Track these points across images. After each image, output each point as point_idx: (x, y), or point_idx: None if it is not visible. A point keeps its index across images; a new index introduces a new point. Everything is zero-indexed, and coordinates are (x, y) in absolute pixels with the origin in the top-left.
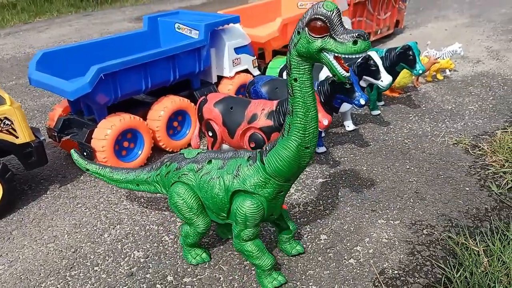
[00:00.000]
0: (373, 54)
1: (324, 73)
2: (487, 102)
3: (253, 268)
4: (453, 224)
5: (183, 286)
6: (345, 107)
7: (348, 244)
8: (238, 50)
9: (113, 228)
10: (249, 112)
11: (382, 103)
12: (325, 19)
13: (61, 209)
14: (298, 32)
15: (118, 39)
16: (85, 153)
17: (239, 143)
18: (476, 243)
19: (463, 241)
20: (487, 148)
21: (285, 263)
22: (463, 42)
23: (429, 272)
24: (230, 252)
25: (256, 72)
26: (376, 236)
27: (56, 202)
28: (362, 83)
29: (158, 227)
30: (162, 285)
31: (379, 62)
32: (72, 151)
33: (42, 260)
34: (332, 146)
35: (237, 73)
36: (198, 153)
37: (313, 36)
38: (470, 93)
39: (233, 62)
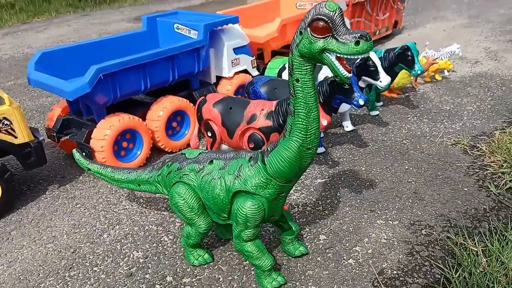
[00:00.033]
0: (372, 54)
1: (323, 74)
2: (485, 103)
3: (252, 269)
4: (452, 224)
5: (182, 286)
6: (344, 107)
7: (347, 245)
8: (237, 50)
9: (112, 229)
10: (248, 112)
11: (381, 103)
12: (327, 20)
13: (60, 209)
14: (300, 33)
15: (117, 39)
16: (84, 153)
17: (238, 143)
18: (475, 244)
19: (462, 241)
20: (486, 149)
21: (284, 263)
22: (462, 43)
23: (428, 272)
24: (229, 253)
25: (255, 72)
26: (375, 237)
27: (55, 202)
28: (361, 84)
29: (157, 227)
30: (161, 286)
31: (378, 63)
32: (74, 150)
33: (41, 261)
34: (331, 146)
35: (236, 73)
36: (200, 154)
37: (315, 37)
38: (468, 93)
39: (232, 62)
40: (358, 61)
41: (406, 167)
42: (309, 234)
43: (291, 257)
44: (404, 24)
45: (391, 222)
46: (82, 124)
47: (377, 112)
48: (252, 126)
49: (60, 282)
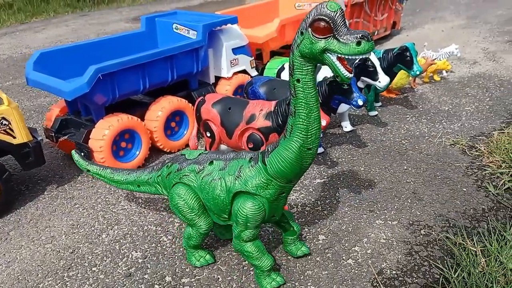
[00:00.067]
0: (371, 55)
1: (322, 74)
2: (483, 103)
3: (251, 269)
4: (451, 225)
5: (181, 286)
6: (343, 108)
7: (346, 245)
8: (236, 50)
9: (111, 229)
10: (247, 112)
11: (380, 104)
12: (328, 20)
13: (58, 209)
14: (302, 33)
15: (116, 39)
16: (82, 154)
17: (237, 143)
18: (474, 244)
19: (461, 241)
20: (484, 149)
21: (284, 263)
22: (460, 44)
23: (427, 272)
24: (228, 253)
25: (254, 72)
26: (374, 237)
27: (53, 202)
28: (360, 84)
29: (156, 227)
30: (160, 286)
31: (376, 63)
32: (73, 152)
33: (40, 261)
34: (329, 146)
35: (235, 73)
36: (200, 154)
37: (316, 37)
38: (466, 94)
39: (231, 62)
40: (357, 61)
41: (405, 167)
42: (308, 234)
43: (290, 257)
44: (403, 24)
45: (390, 222)
46: (80, 124)
47: (376, 113)
48: (251, 126)
49: (59, 282)
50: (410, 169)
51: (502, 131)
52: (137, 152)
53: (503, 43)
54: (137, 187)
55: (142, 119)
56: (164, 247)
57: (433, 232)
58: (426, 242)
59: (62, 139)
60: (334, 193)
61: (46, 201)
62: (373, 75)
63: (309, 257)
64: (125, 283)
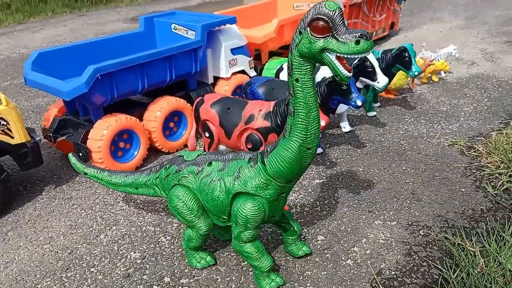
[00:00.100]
0: (369, 55)
1: (321, 74)
2: (482, 104)
3: (250, 269)
4: (449, 225)
5: (180, 287)
6: (342, 108)
7: (345, 245)
8: (234, 51)
9: (109, 229)
10: (246, 113)
11: (378, 104)
12: (327, 19)
13: (56, 210)
14: (300, 32)
15: (114, 39)
16: (80, 154)
17: (236, 144)
18: (473, 244)
19: (460, 241)
20: (483, 150)
21: (283, 264)
22: (458, 44)
23: (426, 273)
24: (227, 253)
25: (252, 73)
26: (373, 237)
27: (51, 203)
28: (359, 85)
29: (154, 228)
30: (159, 286)
31: (375, 64)
32: (70, 155)
33: (38, 261)
34: (328, 147)
35: (234, 74)
36: (198, 155)
37: (315, 36)
38: (465, 94)
39: (230, 63)
40: (356, 62)
41: (404, 168)
42: (307, 235)
43: (289, 258)
44: (401, 25)
45: (389, 223)
46: (79, 124)
47: (375, 113)
48: (250, 126)
49: (57, 283)
50: (408, 169)
51: (501, 131)
52: (136, 153)
53: (501, 44)
54: (135, 189)
55: (141, 119)
56: (162, 248)
57: (432, 233)
58: (425, 242)
59: (60, 139)
60: (333, 193)
61: (44, 201)
62: (372, 76)
63: (308, 257)
64: (123, 283)
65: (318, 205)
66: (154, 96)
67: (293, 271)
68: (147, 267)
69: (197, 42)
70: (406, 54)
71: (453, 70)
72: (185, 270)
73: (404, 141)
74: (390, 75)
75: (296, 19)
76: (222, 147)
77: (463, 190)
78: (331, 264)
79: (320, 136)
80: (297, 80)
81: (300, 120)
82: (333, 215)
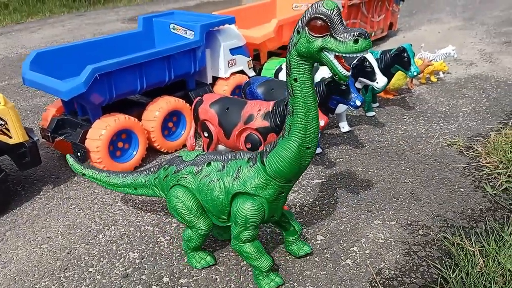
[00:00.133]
0: (368, 56)
1: (320, 74)
2: (480, 104)
3: (250, 269)
4: (449, 225)
5: (179, 287)
6: (340, 108)
7: (344, 245)
8: (233, 51)
9: (108, 229)
10: (245, 112)
11: (377, 104)
12: (325, 18)
13: (54, 210)
14: (298, 32)
15: (113, 39)
16: (79, 154)
17: (235, 143)
18: (472, 244)
19: (459, 241)
20: (481, 150)
21: (282, 264)
22: (456, 45)
23: (425, 273)
24: (226, 253)
25: (251, 73)
26: (372, 237)
27: (49, 203)
28: (358, 85)
29: (153, 228)
30: (158, 286)
31: (374, 64)
32: (68, 156)
33: (36, 261)
34: (327, 147)
35: (233, 74)
36: (197, 156)
37: (313, 36)
38: (463, 95)
39: (229, 63)
40: (355, 62)
41: (403, 168)
42: (306, 235)
43: (288, 258)
44: (399, 26)
45: (388, 223)
46: (77, 124)
47: (373, 113)
48: (249, 126)
49: (56, 283)
50: (407, 169)
51: (499, 131)
52: (134, 152)
53: (500, 45)
54: (134, 190)
55: (139, 119)
56: (161, 248)
57: (431, 232)
58: (424, 242)
59: (58, 139)
60: (332, 193)
61: (42, 201)
62: (371, 76)
63: (308, 257)
64: (122, 283)
65: (317, 205)
66: (153, 96)
67: (293, 270)
68: (146, 267)
69: (196, 42)
70: (405, 55)
71: (451, 70)
72: (184, 270)
73: (403, 141)
74: (389, 75)
75: (295, 19)
76: (221, 147)
77: (462, 190)
78: (331, 264)
79: (319, 136)
80: (295, 80)
81: (299, 119)
82: (332, 215)
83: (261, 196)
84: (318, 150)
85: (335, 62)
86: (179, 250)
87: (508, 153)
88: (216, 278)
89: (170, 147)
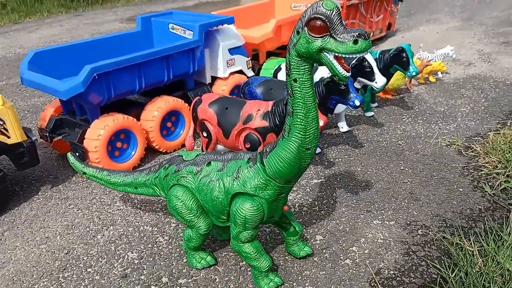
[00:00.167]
0: (367, 56)
1: (319, 74)
2: (479, 104)
3: (249, 269)
4: (448, 225)
5: (178, 287)
6: (339, 108)
7: (343, 245)
8: (232, 51)
9: (106, 229)
10: (244, 112)
11: (376, 104)
12: (325, 19)
13: (53, 210)
14: (298, 32)
15: (111, 39)
16: (77, 154)
17: (234, 143)
18: (471, 244)
19: (458, 241)
20: (480, 150)
21: (281, 264)
22: (455, 45)
23: (425, 272)
24: (226, 253)
25: (250, 73)
26: (371, 237)
27: (48, 203)
28: (357, 85)
29: (152, 228)
30: (156, 287)
31: (373, 64)
32: (69, 154)
33: (35, 262)
34: (326, 147)
35: (231, 74)
36: (197, 155)
37: (312, 36)
38: (462, 95)
39: (227, 62)
40: (354, 62)
41: (402, 168)
42: (305, 235)
43: (288, 258)
44: (398, 26)
45: (387, 222)
46: (75, 124)
47: (372, 113)
48: (248, 126)
49: (54, 283)
50: (406, 169)
51: (498, 131)
52: (133, 152)
53: (498, 45)
54: (135, 189)
55: (138, 119)
56: (160, 248)
57: (430, 232)
58: (424, 242)
59: (56, 139)
60: (331, 193)
61: (41, 201)
62: (370, 76)
63: (307, 257)
64: (121, 284)
65: (317, 205)
66: (152, 96)
67: (292, 270)
68: (145, 267)
69: (194, 42)
70: (404, 55)
71: (450, 70)
72: (183, 270)
73: (402, 141)
74: (388, 75)
75: (294, 19)
76: (220, 147)
77: (461, 190)
78: (330, 264)
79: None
80: (295, 80)
81: (298, 120)
82: (331, 215)
83: (261, 197)
84: (318, 150)
85: (335, 62)
86: (178, 250)
87: (506, 153)
88: (215, 278)
89: (169, 147)
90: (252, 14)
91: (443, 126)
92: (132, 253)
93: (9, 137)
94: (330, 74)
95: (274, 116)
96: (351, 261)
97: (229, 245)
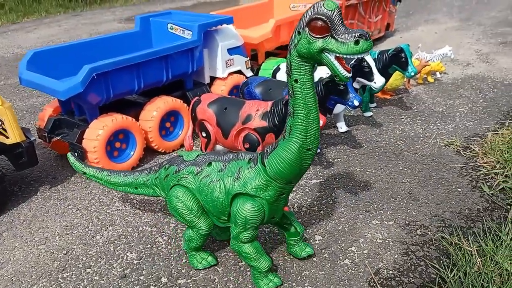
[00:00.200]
0: (366, 56)
1: (318, 74)
2: (477, 104)
3: (248, 269)
4: (446, 225)
5: (177, 287)
6: (338, 108)
7: (343, 245)
8: (231, 51)
9: (105, 230)
10: (243, 112)
11: (375, 104)
12: (326, 19)
13: (51, 210)
14: (299, 32)
15: (110, 39)
16: (76, 154)
17: (233, 143)
18: (469, 243)
19: (457, 241)
20: (478, 150)
21: (280, 264)
22: (453, 45)
23: (424, 272)
24: (225, 253)
25: (249, 73)
26: (370, 237)
27: (46, 203)
28: (355, 85)
29: (151, 228)
30: (156, 287)
31: (372, 64)
32: (69, 154)
33: (34, 262)
34: (325, 147)
35: (230, 74)
36: (198, 156)
37: (313, 36)
38: (460, 95)
39: (226, 63)
40: (353, 62)
41: (401, 168)
42: (305, 235)
43: (287, 258)
44: (396, 26)
45: (386, 223)
46: (74, 124)
47: (371, 113)
48: (248, 126)
49: (53, 284)
50: (405, 169)
51: (496, 132)
52: (132, 153)
53: (496, 45)
54: (135, 189)
55: (137, 119)
56: (159, 248)
57: (429, 232)
58: (422, 242)
59: (55, 139)
60: (330, 193)
61: (39, 202)
62: (369, 76)
63: (306, 257)
64: (120, 284)
65: (316, 205)
66: (151, 96)
67: (291, 271)
68: (144, 268)
69: (193, 42)
70: (403, 55)
71: (448, 71)
72: (183, 271)
73: (401, 141)
74: (386, 75)
75: (293, 19)
76: (219, 147)
77: (459, 190)
78: (329, 264)
79: None
80: (296, 81)
81: (299, 121)
82: (330, 215)
83: (262, 197)
84: (317, 151)
85: (336, 63)
86: (177, 250)
87: (505, 153)
88: (215, 279)
89: (168, 147)
90: (251, 14)
91: (442, 126)
92: (131, 253)
93: (7, 137)
94: (329, 74)
95: (273, 116)
96: (350, 261)
97: (228, 246)
